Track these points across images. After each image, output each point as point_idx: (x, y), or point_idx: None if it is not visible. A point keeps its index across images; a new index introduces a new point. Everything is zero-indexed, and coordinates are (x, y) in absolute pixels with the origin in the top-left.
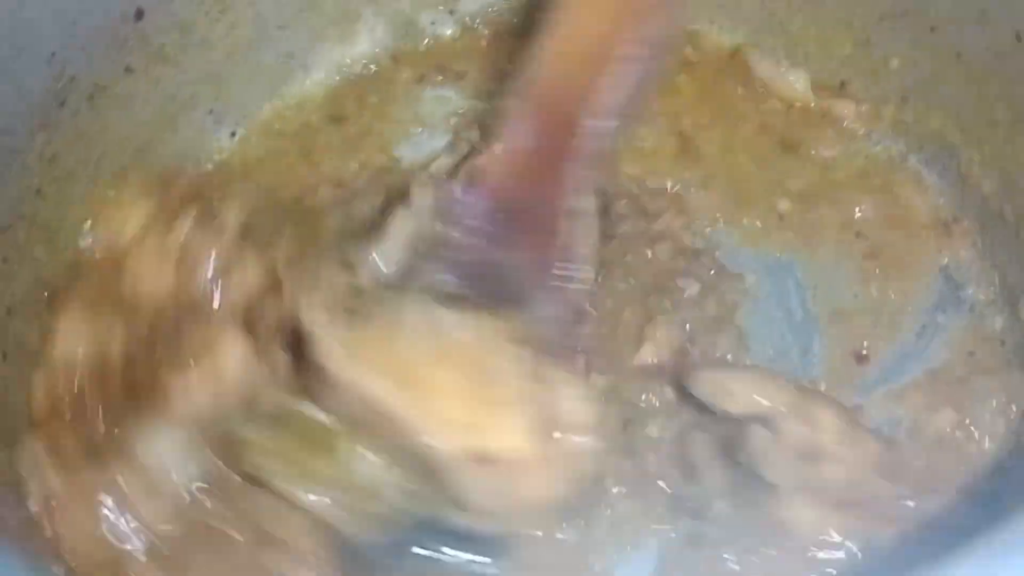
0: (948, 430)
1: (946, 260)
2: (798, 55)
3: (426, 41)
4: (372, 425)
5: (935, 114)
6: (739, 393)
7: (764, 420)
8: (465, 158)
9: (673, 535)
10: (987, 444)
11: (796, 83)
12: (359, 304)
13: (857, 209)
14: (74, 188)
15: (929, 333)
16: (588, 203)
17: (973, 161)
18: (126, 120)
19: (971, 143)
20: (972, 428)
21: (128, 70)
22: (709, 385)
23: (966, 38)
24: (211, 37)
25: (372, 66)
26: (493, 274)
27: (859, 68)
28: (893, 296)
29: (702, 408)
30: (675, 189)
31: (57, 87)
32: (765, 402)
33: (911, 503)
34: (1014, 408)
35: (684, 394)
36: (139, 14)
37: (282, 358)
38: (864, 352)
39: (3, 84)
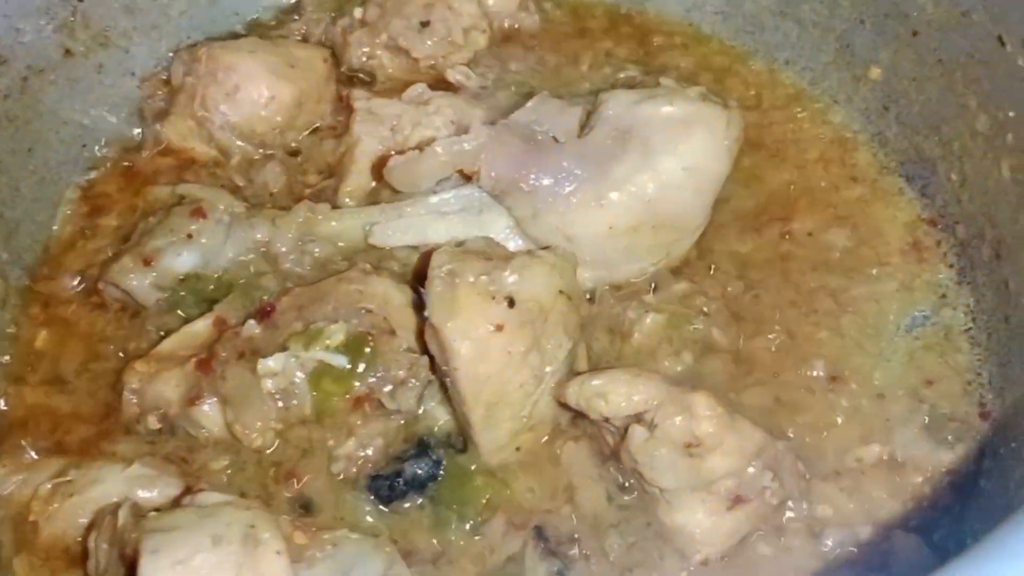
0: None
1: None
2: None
3: None
4: None
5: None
6: (612, 395)
7: (641, 418)
8: None
9: None
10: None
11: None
12: None
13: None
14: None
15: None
16: None
17: (952, 177)
18: (64, 106)
19: (951, 157)
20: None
21: (68, 53)
22: (581, 393)
23: (947, 42)
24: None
25: None
26: None
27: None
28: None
29: (581, 419)
30: None
31: None
32: (638, 398)
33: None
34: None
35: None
36: None
37: None
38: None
39: None
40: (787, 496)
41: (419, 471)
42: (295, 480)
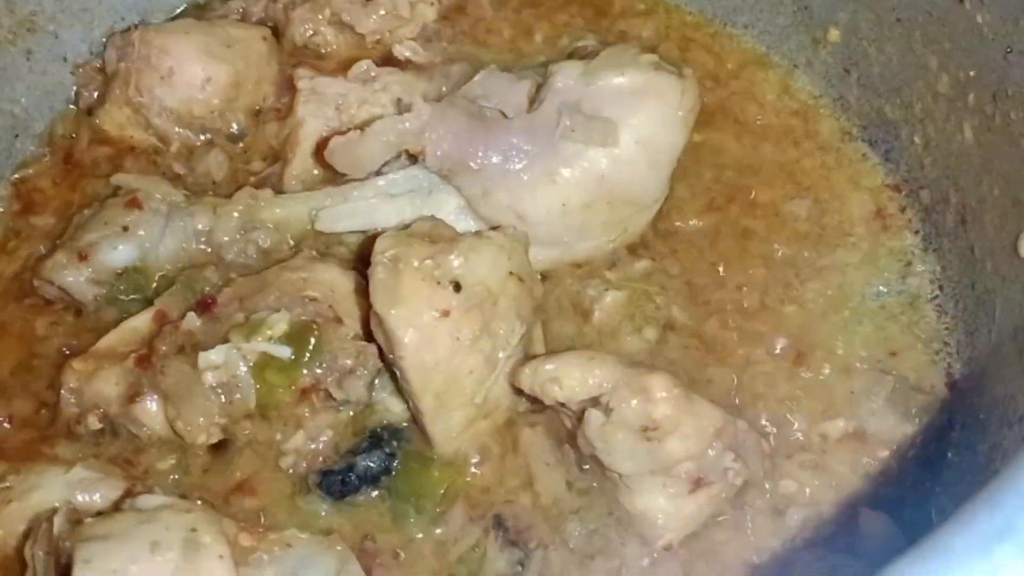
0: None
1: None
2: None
3: None
4: None
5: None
6: (566, 379)
7: (597, 402)
8: None
9: None
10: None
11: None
12: None
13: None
14: None
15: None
16: None
17: (915, 141)
18: None
19: (913, 120)
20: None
21: None
22: (534, 378)
23: (906, 1)
24: None
25: None
26: None
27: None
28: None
29: (538, 404)
30: None
31: None
32: (592, 381)
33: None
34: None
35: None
36: None
37: None
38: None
39: None
40: (751, 476)
41: (372, 464)
42: (241, 478)
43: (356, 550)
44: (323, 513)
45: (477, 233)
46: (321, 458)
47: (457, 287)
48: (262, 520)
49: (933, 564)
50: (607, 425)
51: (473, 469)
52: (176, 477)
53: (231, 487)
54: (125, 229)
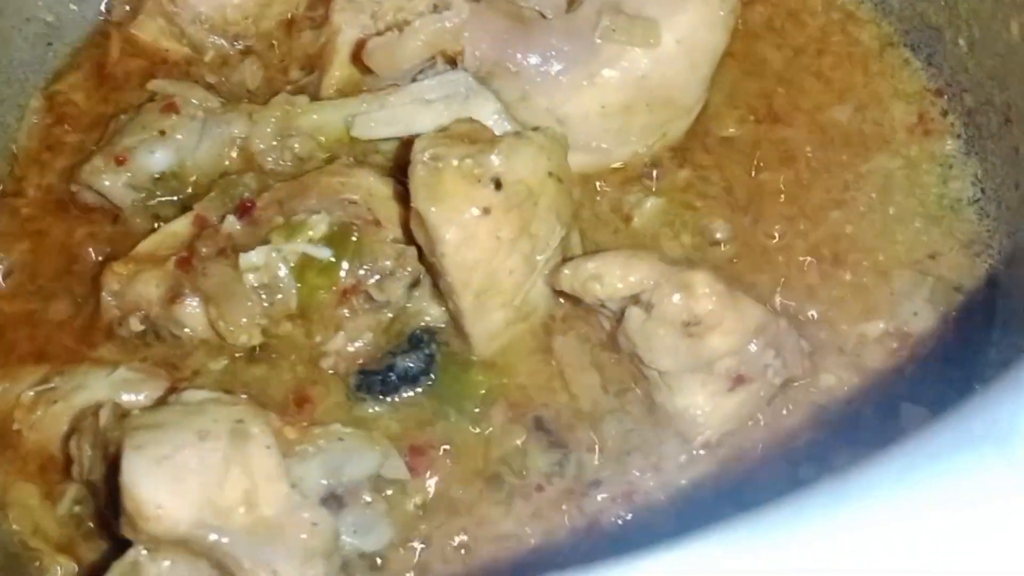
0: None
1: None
2: None
3: None
4: None
5: None
6: (607, 276)
7: (638, 299)
8: None
9: None
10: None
11: None
12: None
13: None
14: None
15: None
16: None
17: (959, 43)
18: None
19: (957, 21)
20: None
21: None
22: (575, 276)
23: None
24: None
25: None
26: None
27: None
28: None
29: (576, 306)
30: None
31: None
32: (634, 278)
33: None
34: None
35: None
36: None
37: None
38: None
39: None
40: (790, 374)
41: (411, 364)
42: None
43: (403, 447)
44: (366, 411)
45: (517, 133)
46: (361, 359)
47: (498, 185)
48: (304, 415)
49: (918, 456)
50: (648, 321)
51: (512, 371)
52: (219, 377)
53: (274, 385)
54: (162, 133)
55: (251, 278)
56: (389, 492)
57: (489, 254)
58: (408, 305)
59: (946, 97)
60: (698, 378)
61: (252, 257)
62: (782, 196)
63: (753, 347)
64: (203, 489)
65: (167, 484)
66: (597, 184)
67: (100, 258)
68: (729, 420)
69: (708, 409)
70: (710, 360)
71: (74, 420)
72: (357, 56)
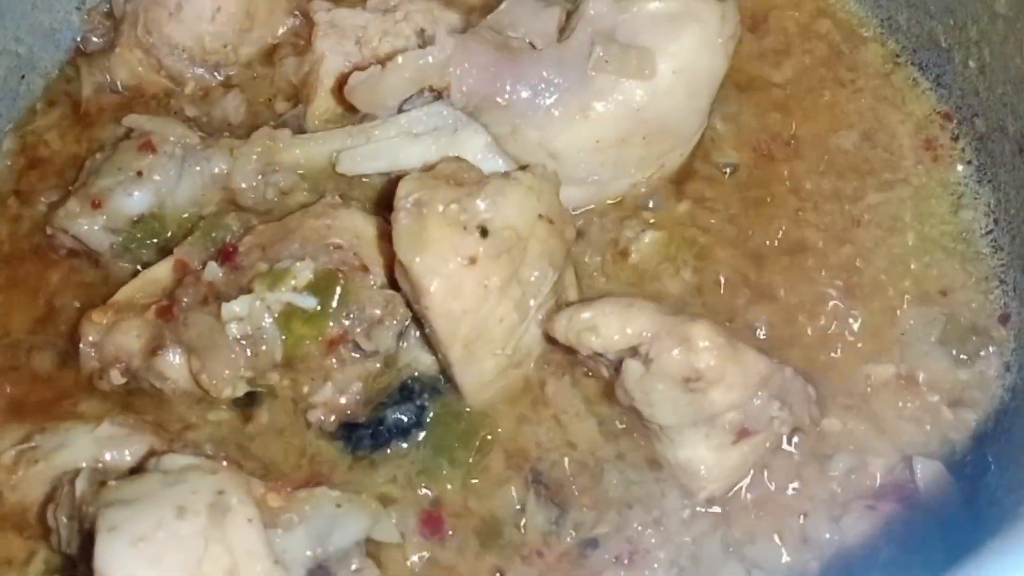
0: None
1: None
2: None
3: None
4: None
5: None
6: (603, 327)
7: (636, 351)
8: None
9: None
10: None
11: None
12: None
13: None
14: None
15: None
16: None
17: (970, 65)
18: None
19: (967, 43)
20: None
21: None
22: (570, 327)
23: None
24: None
25: None
26: None
27: None
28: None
29: (572, 353)
30: None
31: None
32: (631, 330)
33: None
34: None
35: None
36: None
37: None
38: None
39: None
40: (796, 424)
41: (403, 417)
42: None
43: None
44: (350, 470)
45: (504, 174)
46: (349, 411)
47: (484, 232)
48: (289, 478)
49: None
50: (647, 376)
51: (506, 421)
52: (208, 432)
53: (257, 441)
54: (140, 174)
55: (234, 328)
56: (379, 556)
57: (477, 303)
58: (397, 354)
59: (955, 121)
60: (701, 431)
61: (235, 307)
62: (786, 226)
63: (757, 400)
64: (182, 570)
65: (143, 568)
66: (593, 219)
67: (76, 305)
68: (733, 473)
69: (712, 463)
70: (712, 414)
71: (54, 482)
72: (340, 89)
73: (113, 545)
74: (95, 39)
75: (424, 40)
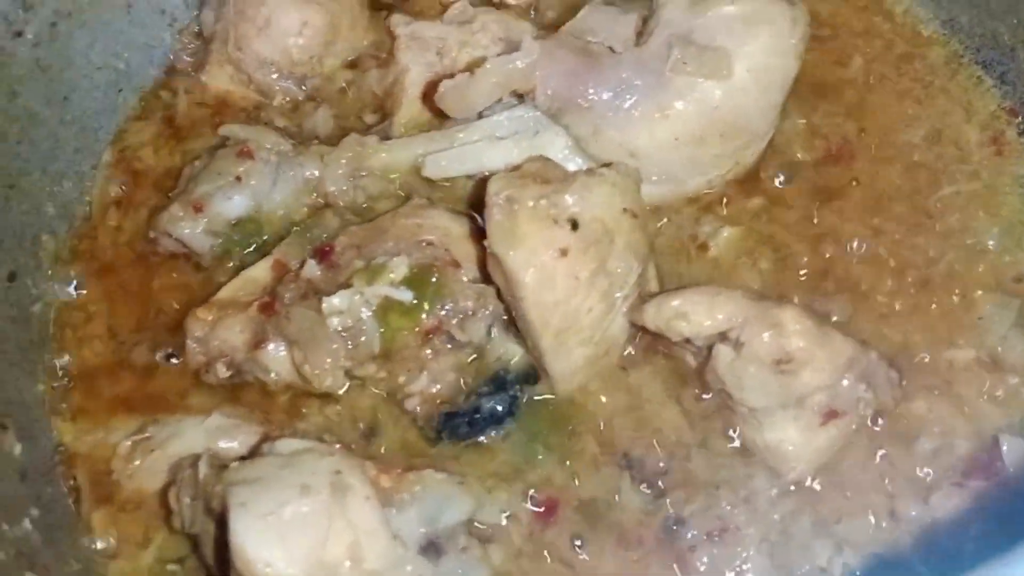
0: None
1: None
2: None
3: None
4: None
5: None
6: (693, 314)
7: (725, 336)
8: None
9: None
10: None
11: None
12: None
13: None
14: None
15: None
16: None
17: None
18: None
19: None
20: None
21: None
22: (659, 314)
23: None
24: None
25: None
26: None
27: None
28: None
29: (656, 341)
30: None
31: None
32: (721, 316)
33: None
34: None
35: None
36: None
37: None
38: None
39: None
40: (881, 406)
41: (497, 406)
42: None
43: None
44: (450, 455)
45: (589, 170)
46: (439, 400)
47: (574, 225)
48: (395, 461)
49: None
50: (738, 360)
51: (596, 406)
52: (309, 423)
53: (361, 429)
54: (238, 179)
55: (335, 322)
56: (484, 536)
57: (568, 294)
58: (487, 345)
59: (1021, 117)
60: (790, 413)
61: (335, 301)
62: (860, 219)
63: (845, 382)
64: (309, 545)
65: (275, 542)
66: (671, 215)
67: (177, 306)
68: (821, 454)
69: (800, 444)
70: (802, 396)
71: (171, 470)
72: (427, 95)
73: (246, 519)
74: (186, 56)
75: (507, 47)
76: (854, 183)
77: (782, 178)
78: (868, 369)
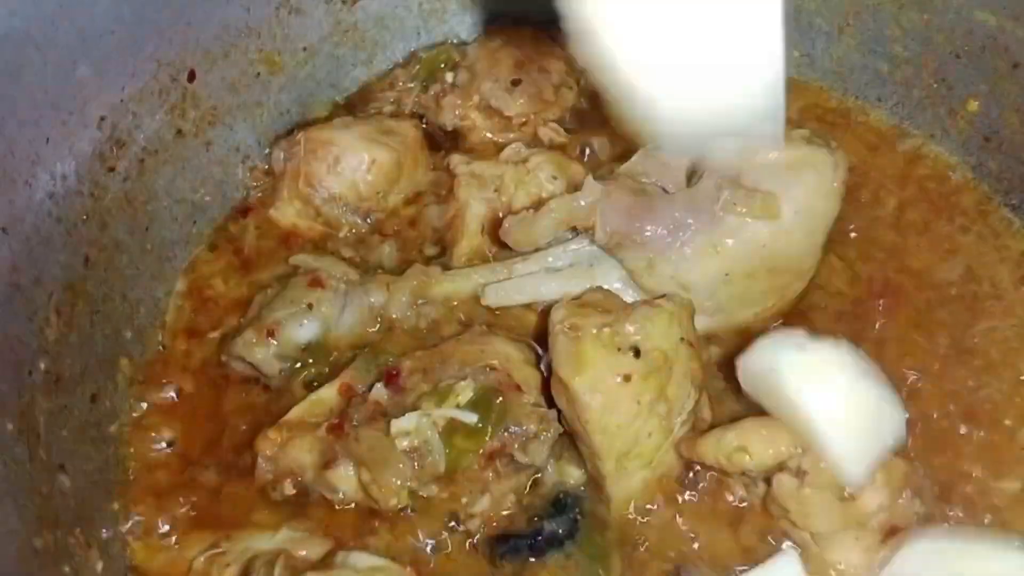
0: None
1: None
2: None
3: None
4: None
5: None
6: (753, 447)
7: (783, 466)
8: None
9: None
10: None
11: None
12: None
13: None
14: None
15: None
16: None
17: None
18: (176, 185)
19: None
20: None
21: (180, 133)
22: (719, 448)
23: None
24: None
25: None
26: None
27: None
28: None
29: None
30: None
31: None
32: (783, 448)
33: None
34: None
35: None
36: (191, 76)
37: None
38: None
39: (51, 149)
40: (928, 515)
41: (559, 529)
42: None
43: None
44: (511, 571)
45: (647, 301)
46: (496, 523)
47: (636, 353)
48: None
49: None
50: (802, 488)
51: (651, 530)
52: (375, 541)
53: (425, 549)
54: (310, 307)
55: (403, 443)
56: None
57: (630, 419)
58: (545, 468)
59: None
60: (851, 534)
61: (404, 423)
62: (898, 355)
63: (902, 500)
64: None
65: None
66: (719, 344)
67: (245, 427)
68: (878, 567)
69: (860, 564)
70: (864, 518)
71: (243, 567)
72: (490, 229)
73: None
74: (256, 192)
75: (567, 186)
76: (892, 317)
77: (823, 312)
78: (918, 483)
